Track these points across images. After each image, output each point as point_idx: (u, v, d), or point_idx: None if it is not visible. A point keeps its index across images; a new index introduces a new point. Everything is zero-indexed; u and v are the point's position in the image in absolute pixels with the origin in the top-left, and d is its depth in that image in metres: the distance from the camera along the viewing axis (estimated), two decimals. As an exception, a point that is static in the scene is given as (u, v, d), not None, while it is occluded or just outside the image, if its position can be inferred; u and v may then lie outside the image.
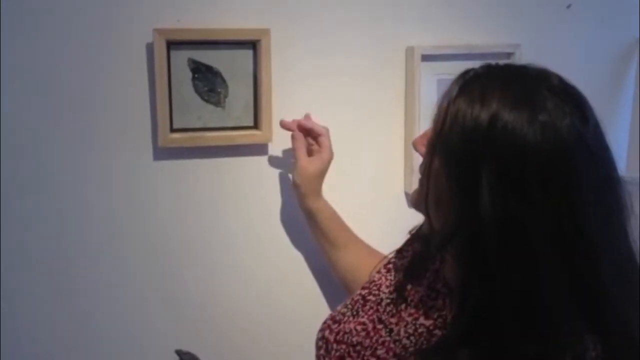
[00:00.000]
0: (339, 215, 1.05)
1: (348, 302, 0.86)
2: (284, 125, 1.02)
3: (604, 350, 0.63)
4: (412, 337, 0.75)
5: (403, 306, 0.79)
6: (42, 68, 0.95)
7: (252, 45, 1.01)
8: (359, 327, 0.81)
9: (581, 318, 0.63)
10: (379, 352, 0.77)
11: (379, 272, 0.88)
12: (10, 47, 0.93)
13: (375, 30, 1.10)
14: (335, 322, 0.84)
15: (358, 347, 0.79)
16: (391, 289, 0.83)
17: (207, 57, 1.00)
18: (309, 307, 1.12)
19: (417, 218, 0.80)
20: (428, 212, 0.70)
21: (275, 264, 1.11)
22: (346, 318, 0.84)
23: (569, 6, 1.22)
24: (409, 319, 0.77)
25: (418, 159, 0.76)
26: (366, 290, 0.86)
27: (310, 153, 1.01)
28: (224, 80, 1.02)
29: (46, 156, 0.98)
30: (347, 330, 0.81)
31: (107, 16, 0.96)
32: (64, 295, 1.01)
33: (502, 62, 0.71)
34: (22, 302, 1.00)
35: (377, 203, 1.16)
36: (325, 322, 0.86)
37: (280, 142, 1.06)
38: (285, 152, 1.08)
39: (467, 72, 0.69)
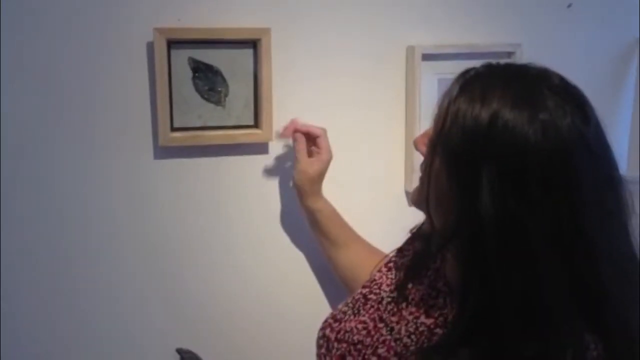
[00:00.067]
0: (339, 215, 1.05)
1: (349, 301, 0.87)
2: (283, 135, 1.02)
3: (604, 349, 0.63)
4: (412, 336, 0.75)
5: (404, 305, 0.79)
6: (42, 68, 0.95)
7: (253, 44, 1.01)
8: (359, 326, 0.81)
9: (581, 317, 0.63)
10: (380, 350, 0.77)
11: (379, 270, 0.88)
12: (10, 47, 0.93)
13: (376, 29, 1.10)
14: (336, 320, 0.84)
15: (359, 346, 0.79)
16: (392, 287, 0.83)
17: (207, 56, 1.00)
18: (309, 307, 1.12)
19: (417, 217, 0.80)
20: (429, 211, 0.71)
21: (275, 263, 1.11)
22: (347, 317, 0.84)
23: (569, 6, 1.22)
24: (410, 318, 0.77)
25: (418, 158, 0.76)
26: (367, 289, 0.86)
27: (309, 154, 1.01)
28: (224, 79, 1.02)
29: (46, 156, 0.97)
30: (348, 329, 0.81)
31: (107, 16, 0.96)
32: (64, 295, 1.01)
33: (502, 61, 0.71)
34: (22, 302, 0.99)
35: (378, 202, 1.16)
36: (326, 321, 0.86)
37: (280, 141, 1.06)
38: (285, 150, 1.08)
39: (467, 71, 0.69)
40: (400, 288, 0.81)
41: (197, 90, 1.01)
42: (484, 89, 0.65)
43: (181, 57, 0.99)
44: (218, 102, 1.02)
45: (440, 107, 0.69)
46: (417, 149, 0.76)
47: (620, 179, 0.67)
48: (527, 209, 0.61)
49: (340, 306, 0.87)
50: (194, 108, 1.01)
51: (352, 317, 0.83)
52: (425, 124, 1.09)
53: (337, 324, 0.84)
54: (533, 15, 1.19)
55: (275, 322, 1.12)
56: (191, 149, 1.03)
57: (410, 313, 0.77)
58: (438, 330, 0.73)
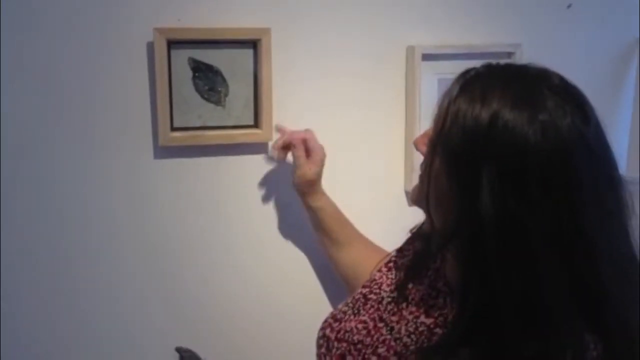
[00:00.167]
0: (341, 213, 1.05)
1: (349, 301, 0.87)
2: (280, 158, 1.02)
3: (604, 350, 0.63)
4: (412, 336, 0.75)
5: (404, 305, 0.79)
6: (42, 68, 0.95)
7: (253, 44, 1.01)
8: (360, 326, 0.81)
9: (581, 317, 0.63)
10: (380, 350, 0.77)
11: (380, 270, 0.88)
12: (10, 47, 0.93)
13: (376, 29, 1.10)
14: (336, 320, 0.84)
15: (359, 346, 0.79)
16: (392, 287, 0.83)
17: (207, 56, 1.00)
18: (309, 307, 1.12)
19: (417, 217, 0.80)
20: (429, 210, 0.71)
21: (275, 263, 1.11)
22: (347, 316, 0.84)
23: (569, 6, 1.22)
24: (410, 318, 0.77)
25: (418, 158, 0.76)
26: (367, 289, 0.86)
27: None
28: (224, 79, 1.02)
29: (46, 156, 0.97)
30: (348, 329, 0.81)
31: (107, 16, 0.96)
32: (64, 295, 1.01)
33: (502, 61, 0.71)
34: (22, 302, 0.99)
35: (378, 202, 1.16)
36: (326, 321, 0.86)
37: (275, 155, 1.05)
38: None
39: (467, 71, 0.69)
40: (400, 288, 0.81)
41: (197, 90, 1.01)
42: (484, 89, 0.65)
43: (181, 57, 0.99)
44: (218, 102, 1.02)
45: (440, 107, 0.69)
46: (417, 149, 0.76)
47: (620, 180, 0.67)
48: (527, 209, 0.61)
49: (340, 306, 0.87)
50: (194, 108, 1.01)
51: (352, 316, 0.83)
52: (425, 124, 1.09)
53: (337, 324, 0.84)
54: (533, 16, 1.19)
55: (275, 322, 1.12)
56: (191, 149, 1.03)
57: (410, 313, 0.77)
58: (438, 330, 0.74)
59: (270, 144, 1.06)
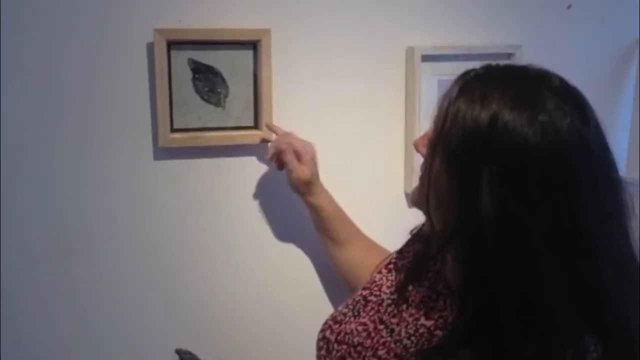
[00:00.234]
0: (342, 212, 1.05)
1: (349, 303, 0.87)
2: (271, 159, 1.01)
3: (604, 351, 0.63)
4: (412, 338, 0.75)
5: (404, 307, 0.79)
6: (42, 68, 0.95)
7: (253, 45, 1.01)
8: (360, 328, 0.81)
9: (581, 318, 0.63)
10: (380, 352, 0.77)
11: (380, 272, 0.88)
12: (10, 47, 0.93)
13: (376, 30, 1.10)
14: (336, 322, 0.84)
15: (359, 348, 0.79)
16: (392, 289, 0.83)
17: (207, 57, 1.00)
18: (310, 307, 1.12)
19: (417, 218, 0.80)
20: (429, 212, 0.71)
21: (275, 264, 1.11)
22: (347, 318, 0.84)
23: (569, 7, 1.22)
24: (410, 320, 0.77)
25: (418, 159, 0.76)
26: (367, 291, 0.86)
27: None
28: (224, 81, 1.02)
29: (46, 156, 0.98)
30: (348, 331, 0.82)
31: (107, 16, 0.96)
32: (64, 295, 1.01)
33: (502, 62, 0.71)
34: (22, 302, 1.00)
35: (378, 203, 1.16)
36: (326, 323, 0.86)
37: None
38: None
39: (467, 72, 0.69)
40: (400, 290, 0.81)
41: (197, 91, 1.01)
42: (483, 90, 0.65)
43: (181, 58, 0.99)
44: (218, 103, 1.02)
45: (439, 108, 0.69)
46: (417, 150, 0.76)
47: (620, 181, 0.67)
48: (527, 209, 0.61)
49: (340, 308, 0.87)
50: (194, 109, 1.01)
51: (352, 318, 0.83)
52: (425, 124, 1.09)
53: (337, 326, 0.84)
54: (533, 17, 1.19)
55: (275, 322, 1.12)
56: (191, 150, 1.03)
57: (410, 315, 0.77)
58: (438, 332, 0.74)
59: (270, 144, 1.06)
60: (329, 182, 1.04)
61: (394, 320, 0.79)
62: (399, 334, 0.77)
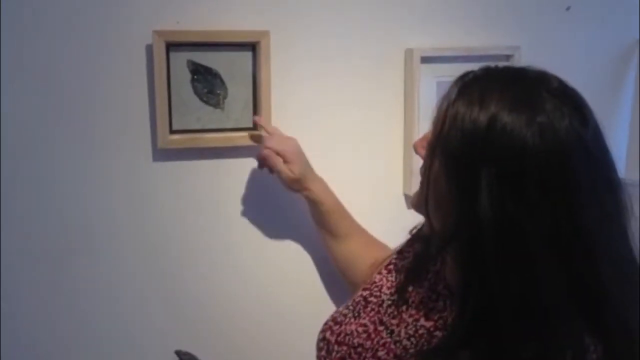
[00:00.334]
0: (341, 206, 1.04)
1: (349, 303, 0.87)
2: (261, 165, 1.01)
3: (604, 352, 0.63)
4: (412, 339, 0.75)
5: (404, 307, 0.79)
6: (42, 68, 0.95)
7: (252, 46, 1.01)
8: (360, 329, 0.81)
9: (581, 318, 0.63)
10: (380, 353, 0.77)
11: (380, 273, 0.88)
12: (10, 47, 0.93)
13: (375, 31, 1.10)
14: (336, 323, 0.84)
15: (359, 349, 0.79)
16: (392, 290, 0.83)
17: (206, 58, 1.00)
18: (310, 307, 1.12)
19: (416, 219, 0.81)
20: (428, 214, 0.71)
21: (275, 264, 1.12)
22: (347, 319, 0.84)
23: (568, 8, 1.22)
24: (410, 320, 0.77)
25: (417, 161, 0.77)
26: (367, 292, 0.86)
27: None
28: (223, 82, 1.02)
29: (46, 156, 0.98)
30: (349, 332, 0.82)
31: (107, 17, 0.96)
32: (64, 295, 1.01)
33: (501, 64, 0.71)
34: (22, 302, 1.00)
35: (376, 204, 1.16)
36: (326, 323, 0.86)
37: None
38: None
39: (466, 74, 0.69)
40: (400, 291, 0.81)
41: (196, 92, 1.01)
42: (482, 92, 0.65)
43: (180, 60, 0.99)
44: (217, 105, 1.02)
45: (438, 110, 0.69)
46: (416, 152, 0.76)
47: (619, 182, 0.67)
48: (526, 211, 0.61)
49: (340, 308, 0.87)
50: (193, 110, 1.01)
51: (352, 319, 0.83)
52: (424, 126, 1.09)
53: (337, 327, 0.84)
54: (532, 18, 1.19)
55: (275, 323, 1.13)
56: (190, 152, 1.03)
57: (410, 316, 0.78)
58: (438, 333, 0.74)
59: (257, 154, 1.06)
60: (328, 182, 1.04)
61: (394, 321, 0.79)
62: (399, 334, 0.77)
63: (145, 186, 1.03)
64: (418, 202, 0.74)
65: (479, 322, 0.64)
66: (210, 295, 1.09)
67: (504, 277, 0.62)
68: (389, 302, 0.82)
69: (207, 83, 1.01)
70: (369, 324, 0.81)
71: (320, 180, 1.03)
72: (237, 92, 1.03)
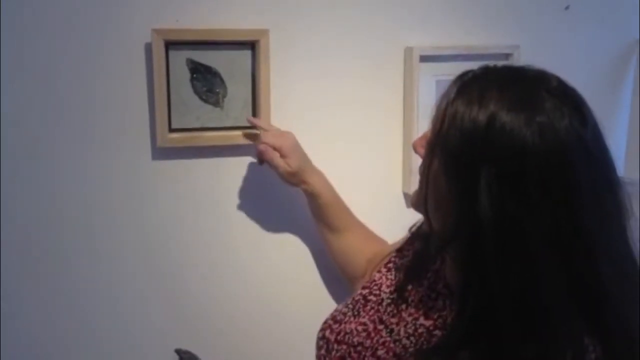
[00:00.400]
0: (339, 199, 1.04)
1: (349, 302, 0.87)
2: (260, 162, 1.01)
3: (603, 352, 0.63)
4: (412, 337, 0.75)
5: (404, 306, 0.79)
6: (41, 67, 0.95)
7: (251, 45, 1.01)
8: (359, 328, 0.81)
9: (581, 318, 0.63)
10: (380, 352, 0.77)
11: (379, 271, 0.88)
12: (10, 47, 0.93)
13: (374, 30, 1.10)
14: (336, 322, 0.84)
15: (359, 348, 0.79)
16: (392, 289, 0.83)
17: (205, 57, 1.00)
18: (309, 307, 1.12)
19: (415, 218, 0.81)
20: (428, 213, 0.71)
21: (275, 263, 1.12)
22: (347, 318, 0.84)
23: (567, 7, 1.22)
24: (409, 319, 0.77)
25: (417, 160, 0.77)
26: (367, 290, 0.86)
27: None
28: (222, 81, 1.02)
29: (46, 155, 0.98)
30: (348, 331, 0.82)
31: (107, 16, 0.96)
32: (64, 295, 1.01)
33: (500, 63, 0.71)
34: (22, 302, 1.00)
35: (376, 203, 1.16)
36: (326, 322, 0.86)
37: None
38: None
39: (465, 73, 0.69)
40: (400, 289, 0.81)
41: (196, 91, 1.01)
42: (481, 91, 0.65)
43: (179, 58, 0.99)
44: (216, 103, 1.02)
45: (438, 109, 0.69)
46: (415, 151, 0.76)
47: (619, 181, 0.67)
48: (525, 211, 0.61)
49: (340, 307, 0.87)
50: (192, 109, 1.01)
51: (352, 318, 0.83)
52: (423, 125, 1.09)
53: (337, 326, 0.84)
54: (531, 17, 1.19)
55: (275, 322, 1.13)
56: (189, 150, 1.03)
57: (410, 314, 0.78)
58: (437, 332, 0.74)
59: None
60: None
61: (394, 320, 0.79)
62: (398, 333, 0.77)
63: (144, 185, 1.03)
64: (417, 201, 0.74)
65: (479, 321, 0.64)
66: (210, 295, 1.09)
67: (504, 277, 0.62)
68: (389, 301, 0.82)
69: (207, 82, 1.01)
70: (368, 322, 0.81)
71: (319, 173, 1.03)
72: (237, 91, 1.03)
